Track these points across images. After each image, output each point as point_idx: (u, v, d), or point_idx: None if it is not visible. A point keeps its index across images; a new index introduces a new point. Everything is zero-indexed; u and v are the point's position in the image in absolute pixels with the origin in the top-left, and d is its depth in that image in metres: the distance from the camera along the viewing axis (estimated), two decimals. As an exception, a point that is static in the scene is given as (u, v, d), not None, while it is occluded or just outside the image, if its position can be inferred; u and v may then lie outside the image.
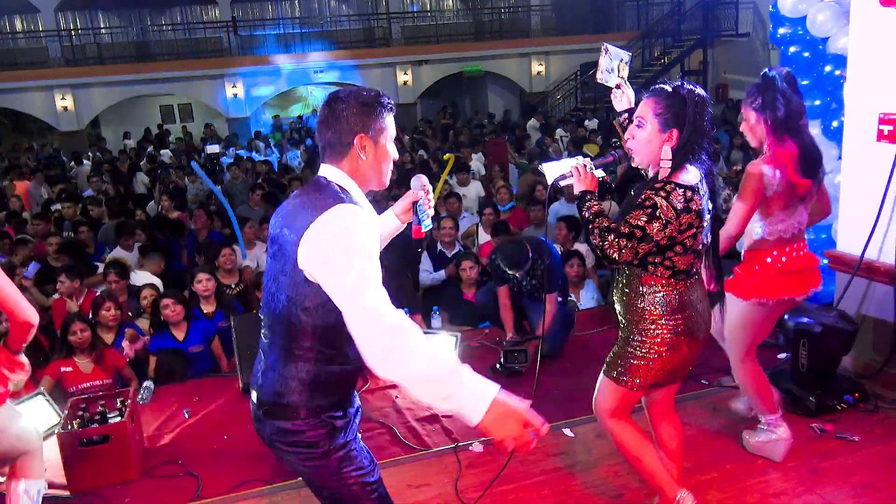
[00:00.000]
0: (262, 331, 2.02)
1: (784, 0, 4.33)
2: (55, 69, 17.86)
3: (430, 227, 2.29)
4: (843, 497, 2.93)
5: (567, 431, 3.58)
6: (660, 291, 2.41)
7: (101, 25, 20.05)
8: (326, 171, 1.96)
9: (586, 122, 14.93)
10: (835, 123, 4.11)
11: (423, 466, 3.39)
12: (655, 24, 19.16)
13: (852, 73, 3.78)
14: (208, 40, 19.79)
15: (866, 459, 3.20)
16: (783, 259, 2.99)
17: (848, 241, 3.93)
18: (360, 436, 2.06)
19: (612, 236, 2.31)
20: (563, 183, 2.48)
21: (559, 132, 13.81)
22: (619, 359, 2.55)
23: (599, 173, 2.49)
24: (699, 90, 2.38)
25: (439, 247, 6.24)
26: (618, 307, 2.58)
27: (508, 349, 4.27)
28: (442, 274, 5.98)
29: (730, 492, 3.01)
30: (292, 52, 19.05)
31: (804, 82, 4.44)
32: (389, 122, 1.98)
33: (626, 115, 2.87)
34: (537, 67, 20.44)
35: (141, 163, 13.65)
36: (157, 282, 5.66)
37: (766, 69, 2.93)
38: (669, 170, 2.35)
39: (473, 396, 1.64)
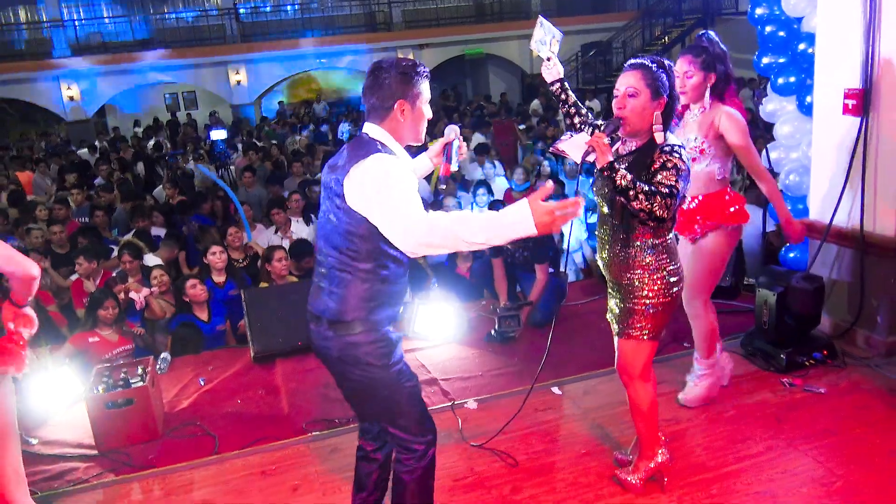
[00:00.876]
0: (318, 267, 2.37)
1: (761, -19, 4.54)
2: (60, 59, 18.06)
3: (457, 168, 2.67)
4: (805, 441, 3.20)
5: (555, 390, 3.85)
6: (665, 242, 2.67)
7: (105, 14, 20.21)
8: (369, 128, 2.31)
9: (587, 103, 15.07)
10: (808, 99, 4.30)
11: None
12: (656, 4, 19.21)
13: (820, 51, 3.99)
14: (211, 28, 19.96)
15: (830, 409, 3.46)
16: (731, 195, 3.37)
17: (819, 209, 4.16)
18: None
19: (659, 198, 2.45)
20: (590, 158, 2.64)
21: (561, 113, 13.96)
22: (633, 315, 2.72)
23: (606, 140, 2.68)
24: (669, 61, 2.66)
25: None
26: (612, 268, 2.75)
27: (502, 315, 4.53)
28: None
29: (700, 438, 3.28)
30: (294, 38, 19.23)
31: (780, 60, 4.65)
32: (425, 87, 2.32)
33: (557, 85, 3.22)
34: (538, 49, 20.50)
35: (148, 151, 13.87)
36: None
37: (703, 32, 3.24)
38: (662, 133, 2.58)
39: (520, 218, 1.98)
